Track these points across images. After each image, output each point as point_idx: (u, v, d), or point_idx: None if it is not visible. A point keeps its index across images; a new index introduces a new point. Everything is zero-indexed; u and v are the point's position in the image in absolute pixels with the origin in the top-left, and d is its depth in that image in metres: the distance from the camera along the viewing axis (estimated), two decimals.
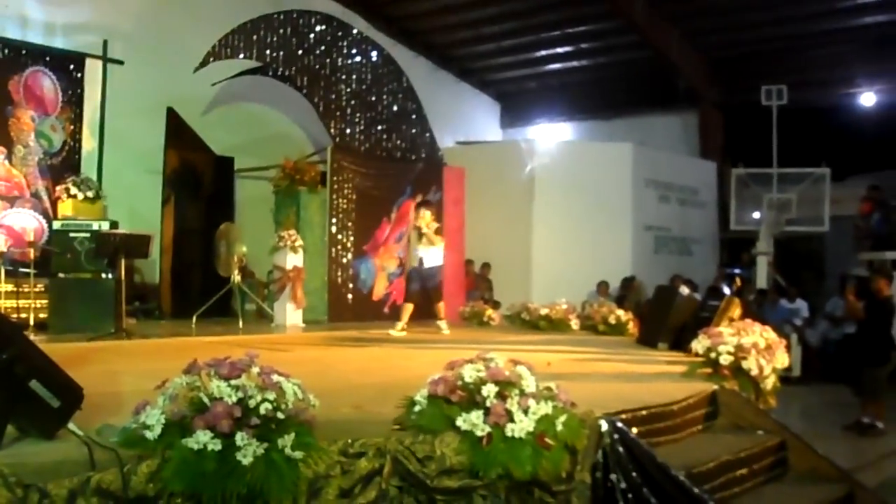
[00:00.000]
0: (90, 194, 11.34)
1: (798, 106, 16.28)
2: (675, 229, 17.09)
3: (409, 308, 11.02)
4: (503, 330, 11.71)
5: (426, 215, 11.03)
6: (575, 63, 19.24)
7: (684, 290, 9.88)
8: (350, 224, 13.60)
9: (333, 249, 13.43)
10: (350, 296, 13.37)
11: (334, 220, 13.43)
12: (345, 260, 13.56)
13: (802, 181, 16.27)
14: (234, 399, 3.30)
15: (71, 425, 3.41)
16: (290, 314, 12.19)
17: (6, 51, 12.10)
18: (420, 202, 12.61)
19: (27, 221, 11.80)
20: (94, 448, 3.25)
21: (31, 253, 10.75)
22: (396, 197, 14.32)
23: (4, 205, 11.91)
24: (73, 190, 11.34)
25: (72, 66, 12.78)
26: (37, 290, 10.41)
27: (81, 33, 12.89)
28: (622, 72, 18.74)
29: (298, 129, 15.75)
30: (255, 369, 3.50)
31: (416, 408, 4.06)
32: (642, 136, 17.69)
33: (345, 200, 13.51)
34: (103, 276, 10.27)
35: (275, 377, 3.50)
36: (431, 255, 11.00)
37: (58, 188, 11.67)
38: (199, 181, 14.08)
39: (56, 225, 10.74)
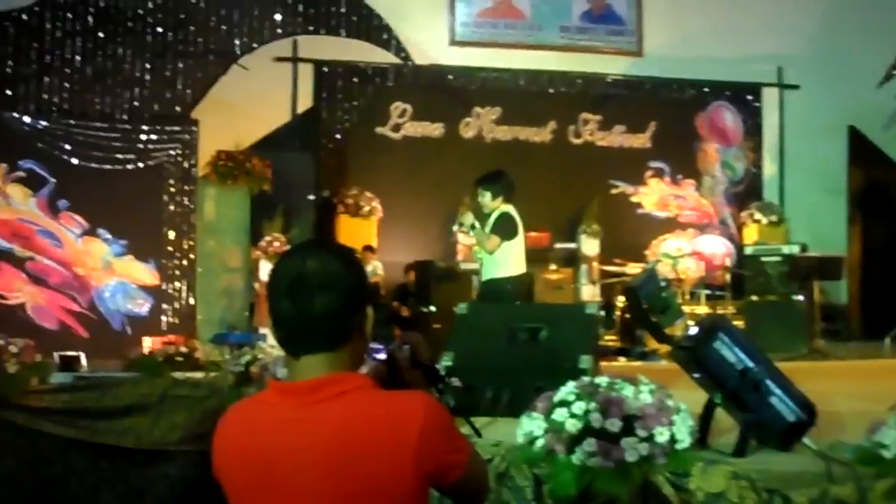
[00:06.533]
0: (773, 218, 11.76)
1: None
2: None
3: None
4: None
5: (484, 198, 6.95)
6: None
7: None
8: None
9: None
10: None
11: None
12: None
13: None
14: None
15: (805, 439, 3.69)
16: None
17: (691, 90, 13.18)
18: (479, 178, 7.20)
19: (716, 247, 12.67)
20: (831, 463, 3.48)
21: (723, 276, 11.52)
22: None
23: (696, 232, 12.94)
24: (757, 215, 11.86)
25: (749, 97, 13.45)
26: (730, 311, 11.06)
27: (756, 64, 13.39)
28: None
29: None
30: None
31: None
32: None
33: None
34: (793, 297, 10.52)
35: None
36: (488, 262, 6.94)
37: (742, 214, 12.32)
38: (886, 198, 13.59)
39: (749, 250, 11.24)
